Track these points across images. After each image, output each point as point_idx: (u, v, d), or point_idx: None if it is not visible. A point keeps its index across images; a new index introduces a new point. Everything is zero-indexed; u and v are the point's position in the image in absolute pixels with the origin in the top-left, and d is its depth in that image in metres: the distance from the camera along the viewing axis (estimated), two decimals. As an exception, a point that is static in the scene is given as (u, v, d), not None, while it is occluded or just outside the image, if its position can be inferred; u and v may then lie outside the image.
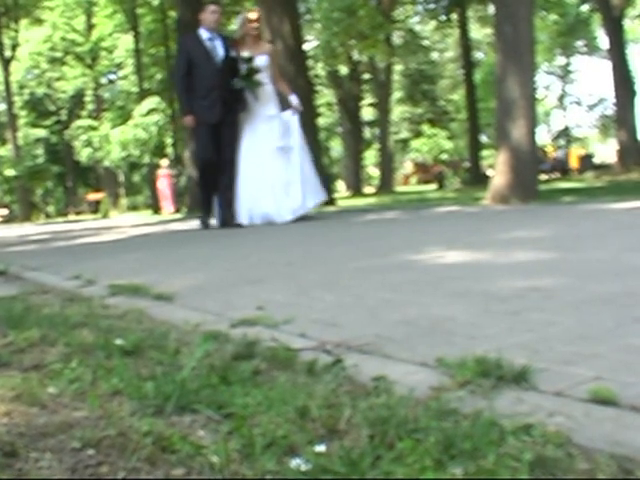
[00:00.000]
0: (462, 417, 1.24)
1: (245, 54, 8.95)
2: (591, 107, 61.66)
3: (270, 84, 9.13)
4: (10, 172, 41.84)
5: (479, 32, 50.99)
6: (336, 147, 62.63)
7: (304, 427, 1.22)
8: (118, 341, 1.97)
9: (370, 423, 1.21)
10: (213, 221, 9.25)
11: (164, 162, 32.20)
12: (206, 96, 8.83)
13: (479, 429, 1.15)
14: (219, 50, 9.00)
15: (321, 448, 1.13)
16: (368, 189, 46.14)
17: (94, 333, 2.19)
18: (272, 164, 8.81)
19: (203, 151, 9.09)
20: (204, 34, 9.05)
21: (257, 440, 1.17)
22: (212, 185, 9.13)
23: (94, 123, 48.02)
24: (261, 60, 9.03)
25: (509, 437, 1.13)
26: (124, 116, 43.25)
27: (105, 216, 36.14)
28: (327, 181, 13.25)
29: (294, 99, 9.24)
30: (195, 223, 9.86)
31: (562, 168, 37.23)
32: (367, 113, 53.15)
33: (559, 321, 1.95)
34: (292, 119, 9.11)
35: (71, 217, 46.45)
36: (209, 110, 8.83)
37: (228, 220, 8.85)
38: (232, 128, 8.99)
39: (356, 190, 39.33)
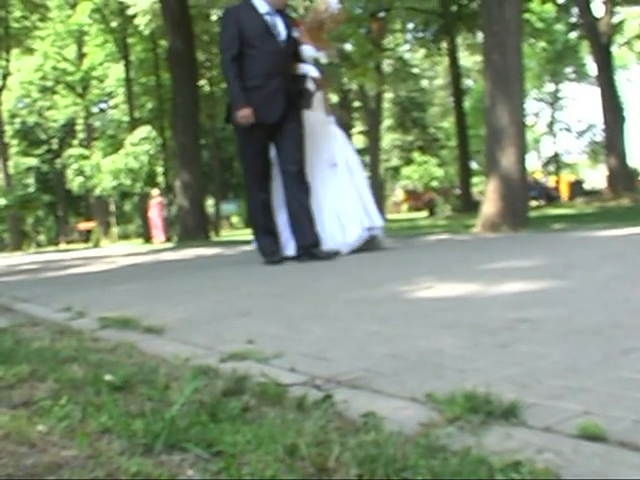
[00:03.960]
0: (451, 454, 1.24)
1: (313, 53, 7.27)
2: (580, 133, 61.95)
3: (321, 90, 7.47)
4: (1, 201, 41.80)
5: (468, 60, 51.37)
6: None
7: (292, 466, 1.22)
8: (107, 377, 1.96)
9: (359, 461, 1.21)
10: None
11: (155, 191, 32.24)
12: (264, 85, 6.73)
13: (467, 467, 1.15)
14: (280, 27, 6.93)
15: (308, 490, 1.13)
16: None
17: (84, 368, 2.18)
18: (329, 182, 7.25)
19: (255, 160, 6.96)
20: (261, 6, 6.89)
21: (246, 480, 1.17)
22: (267, 205, 7.07)
23: (85, 152, 48.24)
24: (323, 58, 7.49)
25: (498, 474, 1.13)
26: (115, 145, 43.41)
27: (96, 245, 36.21)
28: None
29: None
30: (188, 253, 9.74)
31: (548, 195, 37.47)
32: (357, 141, 53.37)
33: (548, 353, 1.95)
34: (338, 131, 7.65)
35: (62, 246, 46.52)
36: (268, 104, 6.75)
37: (313, 243, 6.84)
38: (298, 129, 6.98)
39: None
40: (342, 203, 7.24)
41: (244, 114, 6.65)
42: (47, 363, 2.25)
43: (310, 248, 6.82)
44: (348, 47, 32.85)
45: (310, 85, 7.21)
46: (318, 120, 7.33)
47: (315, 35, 7.47)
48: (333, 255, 6.73)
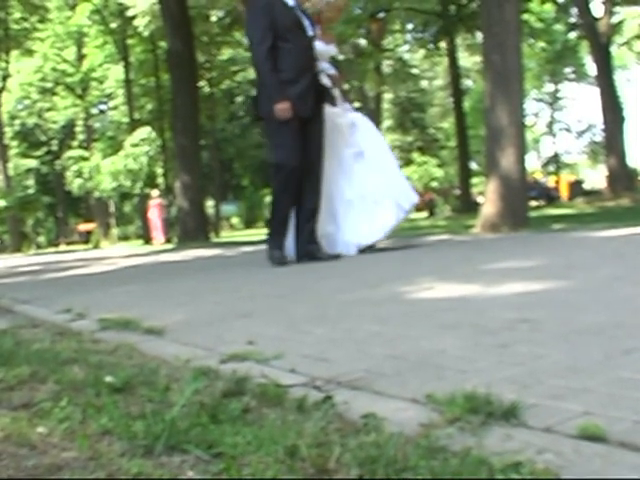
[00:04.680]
0: (451, 455, 1.23)
1: (324, 47, 7.16)
2: (580, 133, 61.97)
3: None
4: (1, 203, 41.77)
5: (468, 60, 51.40)
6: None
7: (293, 467, 1.22)
8: (108, 378, 1.96)
9: (359, 462, 1.21)
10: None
11: (155, 192, 32.23)
12: (297, 80, 6.58)
13: (468, 467, 1.15)
14: (306, 23, 6.78)
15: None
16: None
17: (84, 369, 2.18)
18: (356, 173, 7.15)
19: (290, 156, 6.58)
20: (290, 0, 6.69)
21: (246, 481, 1.17)
22: (293, 205, 6.79)
23: (85, 153, 48.28)
24: (334, 51, 7.56)
25: (498, 475, 1.13)
26: (115, 146, 43.42)
27: (96, 247, 36.23)
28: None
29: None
30: (188, 254, 9.72)
31: (547, 195, 37.52)
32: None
33: (548, 354, 1.95)
34: (360, 118, 7.67)
35: (62, 248, 46.50)
36: (301, 99, 6.59)
37: (314, 251, 6.73)
38: (321, 130, 6.89)
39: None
40: (373, 192, 7.12)
41: (283, 107, 6.44)
42: (47, 365, 2.25)
43: (304, 257, 6.74)
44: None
45: (327, 82, 7.15)
46: (336, 114, 7.22)
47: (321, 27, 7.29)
48: (334, 257, 6.69)
